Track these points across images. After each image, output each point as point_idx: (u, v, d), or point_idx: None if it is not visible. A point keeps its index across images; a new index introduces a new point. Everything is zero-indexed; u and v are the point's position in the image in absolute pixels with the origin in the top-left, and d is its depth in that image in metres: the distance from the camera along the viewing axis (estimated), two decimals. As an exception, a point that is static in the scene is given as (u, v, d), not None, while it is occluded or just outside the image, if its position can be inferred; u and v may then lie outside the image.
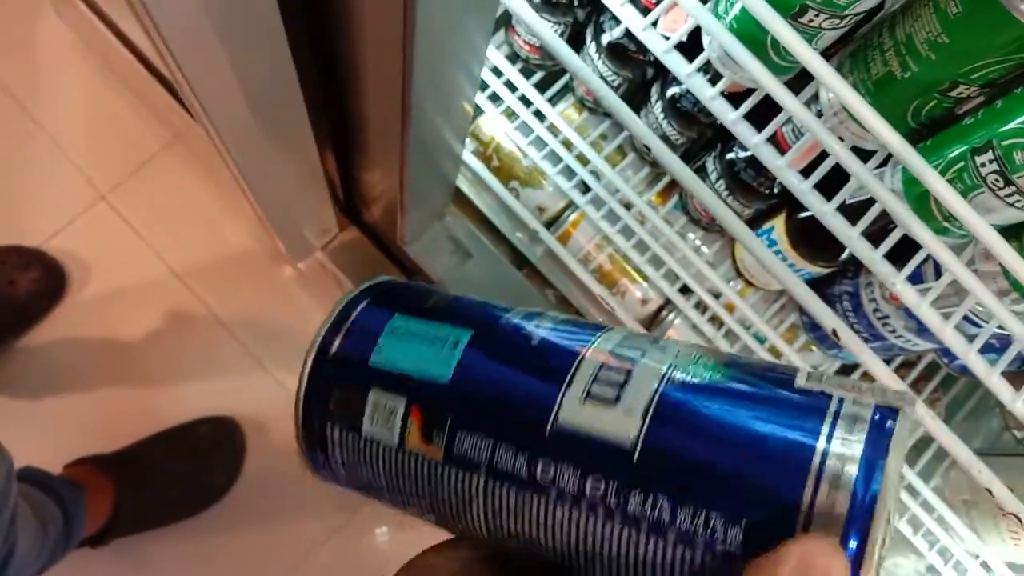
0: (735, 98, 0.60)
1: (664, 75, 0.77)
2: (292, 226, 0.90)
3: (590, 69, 0.81)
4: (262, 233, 1.07)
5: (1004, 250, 0.49)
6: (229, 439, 1.26)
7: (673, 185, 0.91)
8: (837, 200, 0.57)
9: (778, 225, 0.78)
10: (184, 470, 1.22)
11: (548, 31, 0.63)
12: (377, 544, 1.30)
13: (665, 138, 0.81)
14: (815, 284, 0.84)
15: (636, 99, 0.84)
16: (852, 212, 0.59)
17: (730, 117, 0.58)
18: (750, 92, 0.61)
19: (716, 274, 0.84)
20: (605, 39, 0.76)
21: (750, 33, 0.53)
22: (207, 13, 0.44)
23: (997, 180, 0.48)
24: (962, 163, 0.50)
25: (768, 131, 0.57)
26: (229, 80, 0.53)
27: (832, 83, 0.50)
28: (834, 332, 0.59)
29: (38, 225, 1.25)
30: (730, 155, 0.76)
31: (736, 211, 0.81)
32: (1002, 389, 0.56)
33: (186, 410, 1.23)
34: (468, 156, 0.93)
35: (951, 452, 0.57)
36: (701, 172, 0.83)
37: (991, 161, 0.47)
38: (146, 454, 1.20)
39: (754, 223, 0.83)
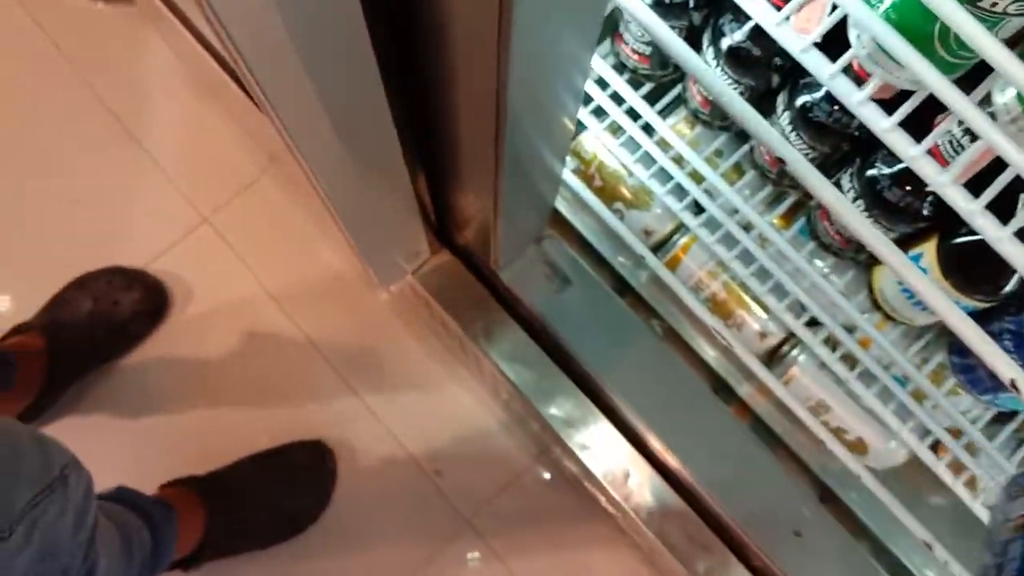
0: (882, 105, 0.51)
1: (793, 82, 0.69)
2: (381, 250, 0.86)
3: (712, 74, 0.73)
4: (356, 257, 1.04)
5: None
6: (321, 464, 1.25)
7: (798, 206, 0.82)
8: (1016, 224, 0.47)
9: (928, 251, 0.68)
10: (276, 495, 1.21)
11: (665, 29, 0.56)
12: (468, 574, 1.25)
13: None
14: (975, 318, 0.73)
15: (759, 111, 0.75)
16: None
17: (883, 125, 0.49)
18: (902, 98, 0.52)
19: (850, 305, 0.74)
20: (725, 43, 0.69)
21: (913, 24, 0.45)
22: (290, 35, 0.40)
23: None
24: None
25: (931, 140, 0.48)
26: (313, 104, 0.49)
27: (1020, 77, 0.41)
28: (1012, 383, 0.49)
29: (141, 247, 1.26)
30: (871, 171, 0.67)
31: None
32: None
33: (278, 433, 1.22)
34: (568, 175, 0.86)
35: None
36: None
37: None
38: (239, 477, 1.19)
39: (900, 247, 0.73)
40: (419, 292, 0.98)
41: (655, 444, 0.90)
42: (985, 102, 0.50)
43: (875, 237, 0.53)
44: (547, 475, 1.24)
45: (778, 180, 0.78)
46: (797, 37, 0.51)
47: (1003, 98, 0.48)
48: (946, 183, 0.49)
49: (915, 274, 0.52)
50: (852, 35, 0.50)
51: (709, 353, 0.91)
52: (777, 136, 0.54)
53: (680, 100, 0.85)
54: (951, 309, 0.50)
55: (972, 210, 0.49)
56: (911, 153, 0.49)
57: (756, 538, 0.83)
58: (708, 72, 0.57)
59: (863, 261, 0.78)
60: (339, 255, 1.27)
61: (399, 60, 0.57)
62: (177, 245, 1.28)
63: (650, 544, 0.94)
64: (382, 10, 0.48)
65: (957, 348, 0.75)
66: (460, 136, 0.63)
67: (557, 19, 0.43)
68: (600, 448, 0.94)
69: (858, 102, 0.49)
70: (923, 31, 0.45)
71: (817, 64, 0.50)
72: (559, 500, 1.23)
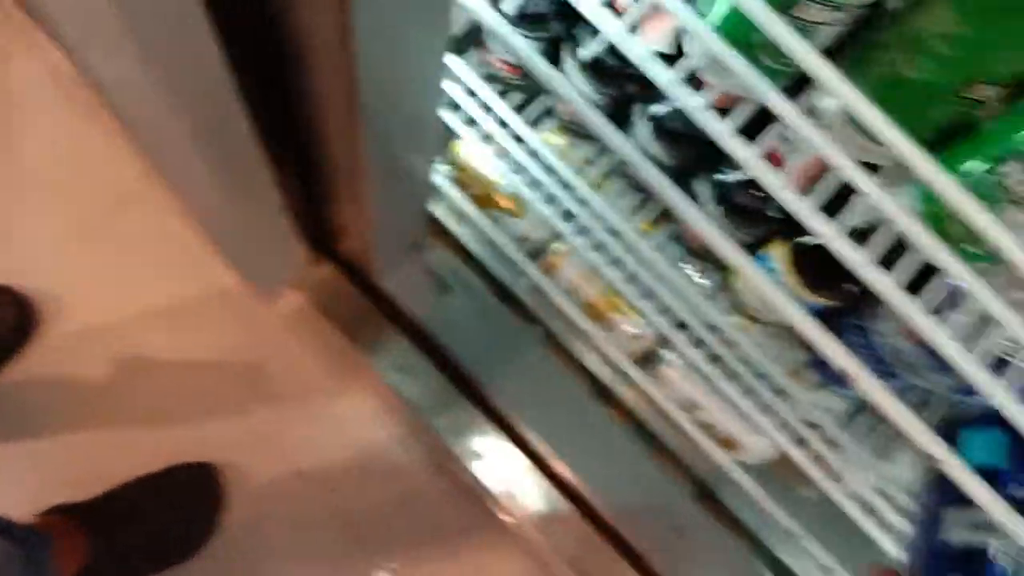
0: (728, 113, 0.53)
1: (649, 91, 0.71)
2: (254, 261, 0.84)
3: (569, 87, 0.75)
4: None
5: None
6: (208, 486, 1.21)
7: (667, 212, 0.84)
8: (844, 223, 0.50)
9: (778, 251, 0.71)
10: (162, 519, 1.16)
11: (522, 43, 0.57)
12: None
13: (653, 160, 0.75)
14: (820, 317, 0.77)
15: (620, 120, 0.77)
16: (862, 237, 0.52)
17: (718, 129, 0.51)
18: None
19: (714, 307, 0.77)
20: (583, 54, 0.70)
21: (738, 33, 0.47)
22: (139, 47, 0.38)
23: (1030, 193, 0.41)
24: (987, 175, 0.43)
25: (761, 145, 0.51)
26: (166, 118, 0.47)
27: (832, 84, 0.43)
28: (844, 373, 0.52)
29: (11, 261, 1.20)
30: (721, 176, 0.69)
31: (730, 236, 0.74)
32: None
33: (165, 455, 1.17)
34: (444, 182, 0.87)
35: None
36: (693, 196, 0.76)
37: (1021, 170, 0.40)
38: (122, 501, 1.14)
39: (752, 250, 0.76)
40: (303, 305, 0.96)
41: (541, 449, 0.91)
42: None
43: (716, 239, 0.55)
44: (442, 487, 1.24)
45: (645, 188, 0.81)
46: (639, 47, 0.53)
47: (827, 103, 0.51)
48: (779, 186, 0.52)
49: (756, 273, 0.54)
50: (687, 45, 0.52)
51: (589, 357, 0.92)
52: (625, 144, 0.56)
53: (551, 111, 0.86)
54: (788, 304, 0.53)
55: (803, 211, 0.51)
56: (743, 155, 0.51)
57: (638, 538, 0.85)
58: (562, 83, 0.58)
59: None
60: (227, 270, 1.23)
61: (258, 69, 0.56)
62: (49, 258, 1.23)
63: (542, 551, 0.95)
64: (235, 21, 0.47)
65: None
66: (324, 140, 0.62)
67: (400, 21, 0.43)
68: (491, 457, 0.95)
69: (695, 109, 0.52)
70: (748, 40, 0.47)
71: (659, 73, 0.52)
72: (455, 512, 1.22)
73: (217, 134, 0.55)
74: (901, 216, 0.47)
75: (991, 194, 0.43)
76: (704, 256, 0.82)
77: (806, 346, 0.81)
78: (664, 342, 0.87)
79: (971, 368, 0.49)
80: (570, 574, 0.93)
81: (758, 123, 0.54)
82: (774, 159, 0.59)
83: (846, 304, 0.71)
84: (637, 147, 0.75)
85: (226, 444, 1.21)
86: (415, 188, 0.75)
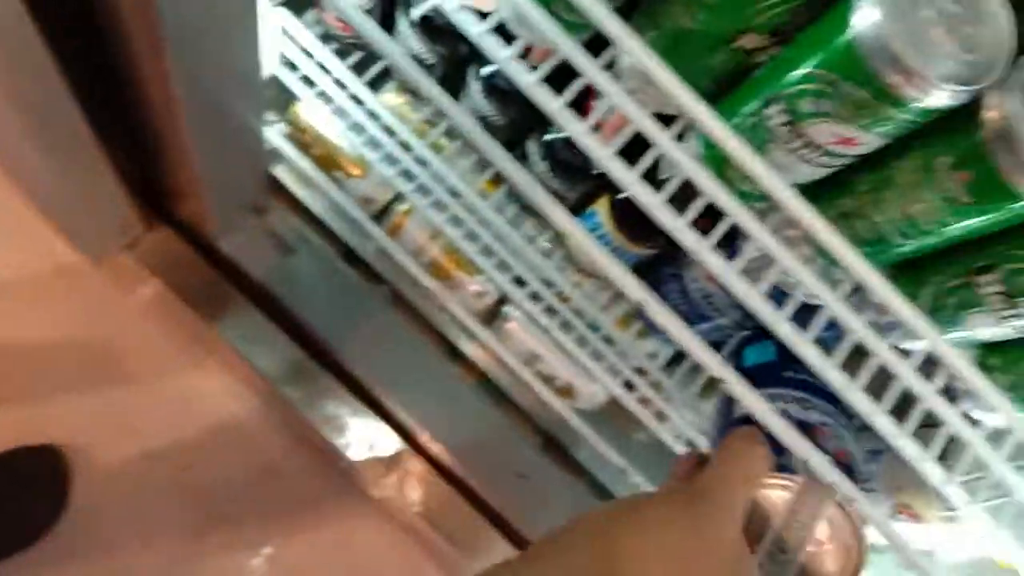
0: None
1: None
2: (85, 226, 0.81)
3: (400, 47, 0.76)
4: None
5: (800, 207, 0.47)
6: (51, 469, 1.16)
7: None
8: (639, 169, 0.54)
9: (602, 207, 0.75)
10: (5, 504, 1.11)
11: (350, 3, 0.57)
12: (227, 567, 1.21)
13: (486, 120, 0.77)
14: (647, 266, 0.82)
15: (455, 79, 0.79)
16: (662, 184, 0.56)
17: (526, 80, 0.54)
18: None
19: (550, 263, 0.80)
20: (415, 12, 0.72)
21: (536, -14, 0.49)
22: None
23: (788, 133, 0.45)
24: (754, 118, 0.47)
25: (566, 97, 0.53)
26: None
27: (618, 36, 0.47)
28: (640, 305, 0.56)
29: None
30: (548, 135, 0.73)
31: (561, 194, 0.78)
32: (810, 353, 0.54)
33: (8, 439, 1.11)
34: (281, 142, 0.86)
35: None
36: (525, 155, 0.79)
37: (780, 112, 0.45)
38: (-40, 488, 1.08)
39: (581, 206, 0.80)
40: (144, 275, 0.93)
41: (395, 411, 0.93)
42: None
43: (538, 196, 0.58)
44: (303, 458, 1.23)
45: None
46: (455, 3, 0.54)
47: (625, 57, 0.54)
48: (582, 132, 0.55)
49: (578, 231, 0.58)
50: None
51: (436, 316, 0.94)
52: (452, 105, 0.58)
53: (389, 70, 0.87)
54: (603, 258, 0.56)
55: (603, 156, 0.54)
56: (552, 106, 0.54)
57: (489, 491, 0.88)
58: (384, 41, 0.59)
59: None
60: (67, 242, 1.17)
61: (71, 23, 0.54)
62: None
63: (404, 514, 0.96)
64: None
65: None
66: (143, 99, 0.61)
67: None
68: (346, 423, 0.95)
69: (505, 58, 0.54)
70: (545, -8, 0.49)
71: (469, 26, 0.54)
72: (318, 482, 1.22)
73: (33, 97, 0.53)
74: (687, 162, 0.51)
75: (759, 136, 0.47)
76: (538, 215, 0.85)
77: (635, 297, 0.86)
78: (506, 298, 0.90)
79: (756, 303, 0.54)
80: (433, 534, 0.96)
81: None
82: (585, 110, 0.62)
83: (664, 253, 0.76)
84: (471, 107, 0.78)
85: (70, 425, 1.16)
86: (249, 148, 0.74)
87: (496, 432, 0.92)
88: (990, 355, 0.54)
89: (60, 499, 1.15)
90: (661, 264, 0.79)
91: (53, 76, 0.53)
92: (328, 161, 0.89)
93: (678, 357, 0.86)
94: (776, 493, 0.39)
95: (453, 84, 0.82)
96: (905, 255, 0.49)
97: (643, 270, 0.83)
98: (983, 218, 0.43)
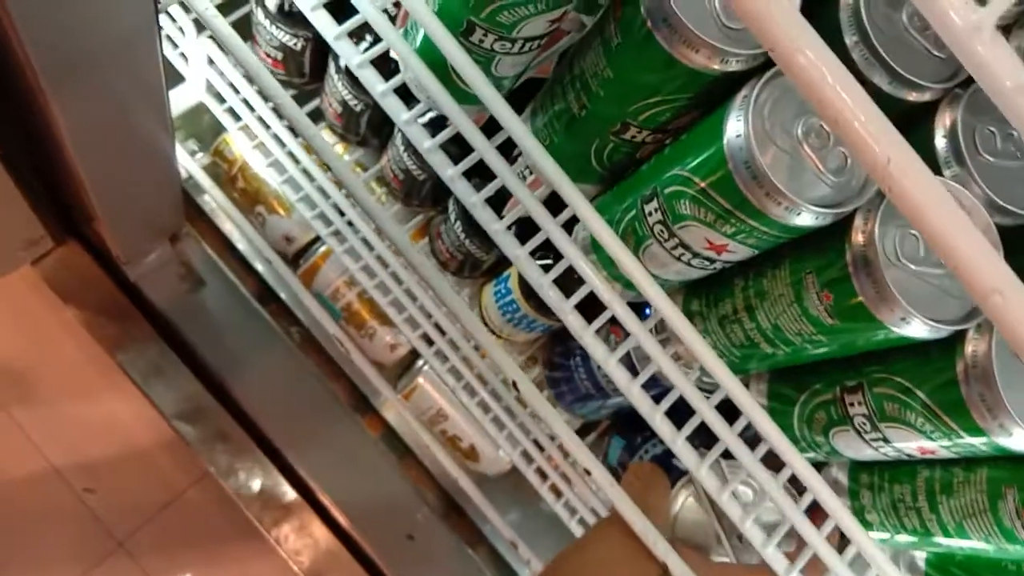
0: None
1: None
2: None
3: (329, 88, 0.75)
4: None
5: (668, 310, 0.46)
6: None
7: (427, 224, 0.86)
8: (528, 247, 0.53)
9: (513, 275, 0.74)
10: None
11: (244, 50, 0.56)
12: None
13: (408, 172, 0.76)
14: (559, 335, 0.81)
15: (383, 127, 0.79)
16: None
17: (425, 145, 0.53)
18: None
19: (456, 328, 0.78)
20: (340, 60, 0.71)
21: (434, 56, 0.48)
22: None
23: (663, 231, 0.44)
24: (634, 212, 0.46)
25: (460, 167, 0.52)
26: None
27: (503, 116, 0.46)
28: (513, 384, 0.54)
29: None
30: (465, 194, 0.71)
31: (477, 256, 0.77)
32: (688, 457, 0.52)
33: None
34: (200, 175, 0.84)
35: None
36: (444, 214, 0.78)
37: (656, 210, 0.44)
38: None
39: (497, 269, 0.79)
40: (40, 286, 0.90)
41: (291, 458, 0.90)
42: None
43: (422, 262, 0.57)
44: (205, 494, 1.19)
45: (406, 199, 0.82)
46: (355, 54, 0.53)
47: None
48: (498, 231, 0.53)
49: (453, 298, 0.56)
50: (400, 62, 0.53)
51: (347, 363, 0.92)
52: (331, 153, 0.56)
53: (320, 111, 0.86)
54: (475, 324, 0.55)
55: (518, 255, 0.53)
56: (448, 174, 0.53)
57: (371, 542, 0.85)
58: (269, 84, 0.57)
59: (477, 279, 0.84)
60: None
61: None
62: None
63: (293, 562, 0.93)
64: None
65: (548, 363, 0.82)
66: (33, 117, 0.59)
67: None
68: (240, 465, 0.92)
69: (404, 121, 0.53)
70: (442, 62, 0.49)
71: (371, 82, 0.53)
72: (217, 517, 1.18)
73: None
74: (570, 251, 0.50)
75: (640, 231, 0.46)
76: (456, 272, 0.83)
77: (543, 364, 0.84)
78: (418, 353, 0.88)
79: (634, 395, 0.53)
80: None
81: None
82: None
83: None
84: (395, 159, 0.77)
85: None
86: (158, 175, 0.72)
87: (393, 489, 0.89)
88: (864, 472, 0.53)
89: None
90: (571, 337, 0.77)
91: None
92: (253, 195, 0.88)
93: (584, 430, 0.84)
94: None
95: (381, 132, 0.81)
96: (777, 364, 0.49)
97: (556, 339, 0.82)
98: (848, 339, 0.42)
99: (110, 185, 0.64)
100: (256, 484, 0.90)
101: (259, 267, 0.91)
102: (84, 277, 0.89)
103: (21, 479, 1.16)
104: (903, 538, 0.51)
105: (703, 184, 0.40)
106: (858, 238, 0.39)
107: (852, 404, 0.46)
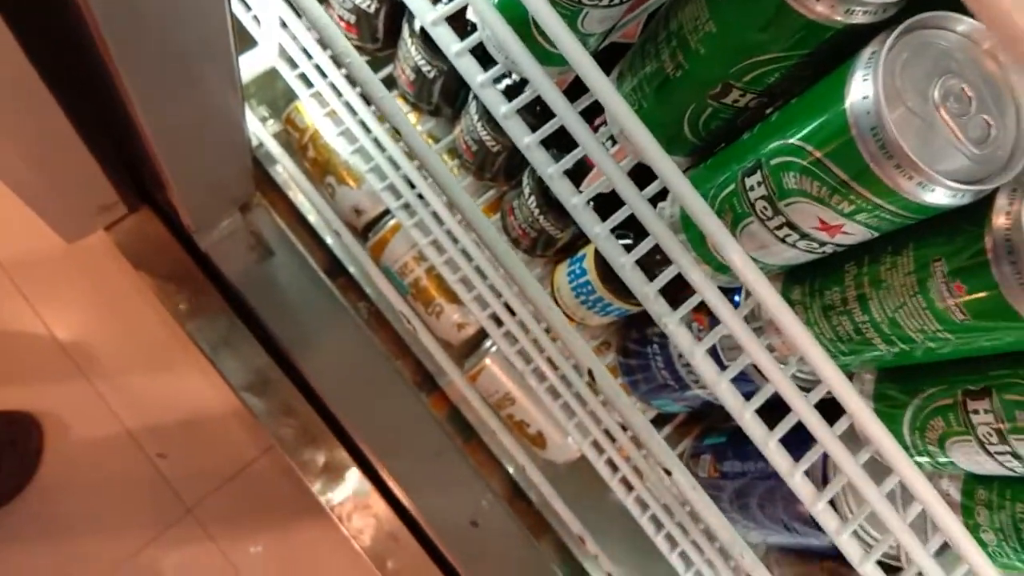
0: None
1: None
2: (56, 201, 0.77)
3: (402, 54, 0.72)
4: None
5: (771, 299, 0.41)
6: (24, 437, 1.15)
7: (500, 199, 0.82)
8: (609, 223, 0.49)
9: (590, 254, 0.70)
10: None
11: (318, 12, 0.53)
12: (182, 570, 1.19)
13: (482, 144, 0.72)
14: (635, 320, 0.77)
15: (456, 95, 0.75)
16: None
17: (501, 110, 0.49)
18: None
19: (527, 309, 0.75)
20: (417, 23, 0.67)
21: (515, 11, 0.44)
22: None
23: (766, 208, 0.39)
24: (732, 186, 0.41)
25: (537, 135, 0.48)
26: None
27: (590, 76, 0.41)
28: (588, 371, 0.50)
29: None
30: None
31: (552, 233, 0.73)
32: (779, 459, 0.47)
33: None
34: (271, 143, 0.82)
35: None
36: (518, 188, 0.74)
37: (759, 184, 0.39)
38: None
39: (573, 247, 0.75)
40: (119, 256, 0.90)
41: (354, 434, 0.88)
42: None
43: (495, 242, 0.53)
44: (272, 465, 1.20)
45: (478, 172, 0.78)
46: (445, 25, 0.49)
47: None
48: (578, 205, 0.49)
49: (531, 283, 0.52)
50: (475, 18, 0.49)
51: (413, 341, 0.90)
52: (407, 125, 0.53)
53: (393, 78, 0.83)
54: (549, 308, 0.51)
55: (597, 233, 0.49)
56: (525, 142, 0.49)
57: (434, 526, 0.83)
58: (346, 49, 0.54)
59: (551, 258, 0.80)
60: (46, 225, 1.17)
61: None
62: None
63: (354, 540, 0.92)
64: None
65: (623, 349, 0.78)
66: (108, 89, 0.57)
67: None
68: (304, 439, 0.91)
69: (480, 84, 0.49)
70: (523, 18, 0.45)
71: (445, 41, 0.49)
72: (283, 489, 1.19)
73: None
74: (658, 228, 0.45)
75: (739, 208, 0.41)
76: (527, 251, 0.79)
77: (617, 350, 0.80)
78: (486, 333, 0.85)
79: (721, 390, 0.48)
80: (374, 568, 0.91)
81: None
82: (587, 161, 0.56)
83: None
84: (467, 130, 0.73)
85: (54, 398, 1.16)
86: (229, 145, 0.70)
87: (458, 473, 0.86)
88: (981, 486, 0.47)
89: (30, 466, 1.14)
90: (651, 322, 0.73)
91: (19, 57, 0.49)
92: (323, 165, 0.86)
93: (659, 420, 0.79)
94: None
95: (455, 100, 0.78)
96: (889, 363, 0.43)
97: (632, 324, 0.78)
98: (978, 337, 0.36)
99: (180, 152, 0.63)
100: (320, 460, 0.89)
101: (328, 239, 0.89)
102: (156, 244, 0.89)
103: (97, 442, 1.19)
104: (1021, 561, 0.45)
105: (819, 154, 0.35)
106: (1001, 220, 0.33)
107: (976, 411, 0.40)
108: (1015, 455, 0.39)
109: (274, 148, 0.82)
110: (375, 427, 0.87)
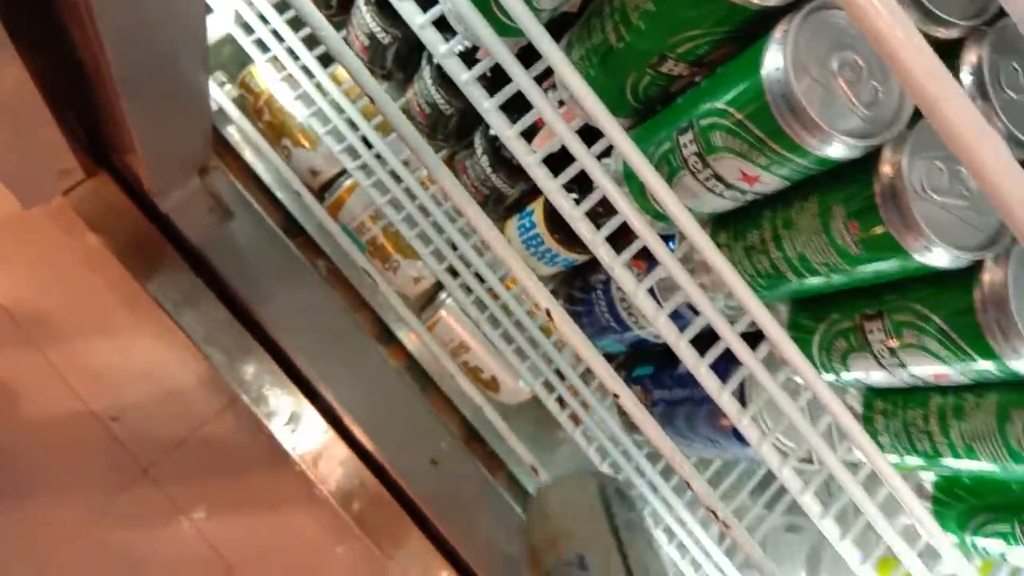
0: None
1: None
2: (16, 169, 0.79)
3: (356, 21, 0.76)
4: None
5: (700, 239, 0.48)
6: None
7: (451, 159, 0.87)
8: (561, 179, 0.55)
9: (538, 208, 0.76)
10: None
11: None
12: (141, 532, 1.20)
13: (435, 106, 0.77)
14: (580, 270, 0.83)
15: (409, 61, 0.79)
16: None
17: (463, 77, 0.54)
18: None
19: (483, 260, 0.81)
20: (371, -9, 0.71)
21: (476, -16, 0.49)
22: None
23: (697, 162, 0.46)
24: (669, 143, 0.48)
25: (497, 100, 0.54)
26: None
27: (547, 50, 0.47)
28: (547, 312, 0.57)
29: None
30: (493, 131, 0.73)
31: (502, 190, 0.78)
32: (709, 381, 0.55)
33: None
34: (230, 106, 0.85)
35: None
36: (470, 148, 0.79)
37: (691, 142, 0.46)
38: None
39: (521, 203, 0.81)
40: (77, 221, 0.92)
41: (317, 384, 0.93)
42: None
43: (459, 195, 0.58)
44: (233, 422, 1.23)
45: (430, 134, 0.83)
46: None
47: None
48: (532, 163, 0.55)
49: (493, 236, 0.58)
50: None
51: (371, 295, 0.95)
52: (374, 86, 0.57)
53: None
54: (510, 253, 0.57)
55: (550, 188, 0.55)
56: (485, 106, 0.54)
57: (397, 466, 0.89)
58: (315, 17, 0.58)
59: (500, 214, 0.86)
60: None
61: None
62: None
63: (321, 488, 0.97)
64: None
65: (568, 297, 0.84)
66: (75, 46, 0.60)
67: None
68: (268, 391, 0.95)
69: (442, 54, 0.54)
70: (484, -8, 0.49)
71: (409, 14, 0.54)
72: (242, 446, 1.21)
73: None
74: (605, 182, 0.52)
75: (674, 163, 0.48)
76: (482, 205, 0.85)
77: (564, 298, 0.87)
78: (441, 286, 0.91)
79: (660, 324, 0.55)
80: (343, 513, 0.96)
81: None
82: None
83: (594, 260, 0.77)
84: (423, 91, 0.78)
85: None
86: (192, 106, 0.73)
87: (417, 417, 0.92)
88: (878, 398, 0.55)
89: (-20, 437, 1.14)
90: (594, 271, 0.79)
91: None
92: (278, 128, 0.89)
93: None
94: None
95: (408, 66, 0.82)
96: (799, 293, 0.51)
97: (577, 274, 0.85)
98: (871, 268, 0.44)
99: (148, 114, 0.66)
100: (285, 410, 0.93)
101: (286, 200, 0.93)
102: (115, 208, 0.91)
103: (47, 408, 1.19)
104: (913, 461, 0.54)
105: (740, 116, 0.41)
106: (886, 169, 0.41)
107: (871, 331, 0.48)
108: (903, 366, 0.48)
109: (232, 111, 0.85)
110: (337, 377, 0.92)
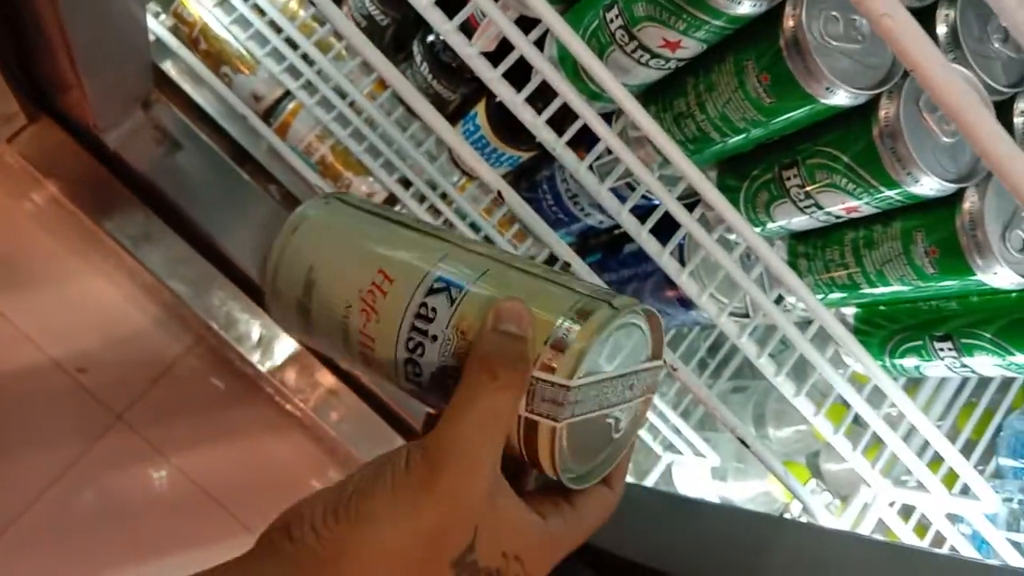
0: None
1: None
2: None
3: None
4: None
5: (631, 106, 0.52)
6: None
7: (392, 74, 0.90)
8: (501, 68, 0.58)
9: (480, 109, 0.79)
10: None
11: None
12: (121, 477, 1.23)
13: (372, 19, 0.79)
14: (525, 170, 0.87)
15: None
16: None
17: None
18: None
19: (434, 166, 0.84)
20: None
21: None
22: None
23: (623, 36, 0.50)
24: (596, 21, 0.52)
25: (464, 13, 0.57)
26: None
27: (475, -65, 0.50)
28: (499, 193, 0.61)
29: None
30: (431, 37, 0.76)
31: (444, 96, 0.81)
32: (650, 245, 0.60)
33: None
34: (167, 36, 0.86)
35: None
36: (408, 60, 0.82)
37: (617, 16, 0.50)
38: None
39: (463, 109, 0.84)
40: (19, 163, 0.92)
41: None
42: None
43: (416, 101, 0.61)
44: (202, 359, 1.24)
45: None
46: None
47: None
48: (471, 55, 0.58)
49: (450, 134, 0.61)
50: None
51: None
52: (330, 6, 0.60)
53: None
54: (475, 159, 0.61)
55: (491, 78, 0.58)
56: (421, 4, 0.57)
57: (382, 387, 0.94)
58: None
59: (445, 123, 0.89)
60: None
61: None
62: None
63: (296, 404, 1.01)
64: None
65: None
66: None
67: None
68: (235, 316, 0.98)
69: (376, -44, 0.57)
70: None
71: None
72: (219, 386, 1.24)
73: None
74: (542, 64, 0.55)
75: (603, 39, 0.52)
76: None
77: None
78: (394, 199, 0.94)
79: (603, 198, 0.60)
80: (324, 425, 1.01)
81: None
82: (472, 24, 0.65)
83: (539, 157, 0.81)
84: (356, 5, 0.80)
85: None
86: (131, 37, 0.74)
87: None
88: (799, 244, 0.61)
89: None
90: (539, 169, 0.84)
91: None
92: (216, 56, 0.90)
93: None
94: None
95: (341, -17, 0.83)
96: (726, 152, 0.56)
97: (522, 174, 0.89)
98: (784, 118, 0.49)
99: (92, 49, 0.67)
100: (255, 333, 0.97)
101: (231, 129, 0.94)
102: (62, 150, 0.92)
103: (11, 364, 1.20)
104: (835, 296, 0.60)
105: (657, -17, 0.46)
106: (789, 23, 0.46)
107: (788, 178, 0.54)
108: (819, 207, 0.53)
109: (170, 40, 0.86)
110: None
